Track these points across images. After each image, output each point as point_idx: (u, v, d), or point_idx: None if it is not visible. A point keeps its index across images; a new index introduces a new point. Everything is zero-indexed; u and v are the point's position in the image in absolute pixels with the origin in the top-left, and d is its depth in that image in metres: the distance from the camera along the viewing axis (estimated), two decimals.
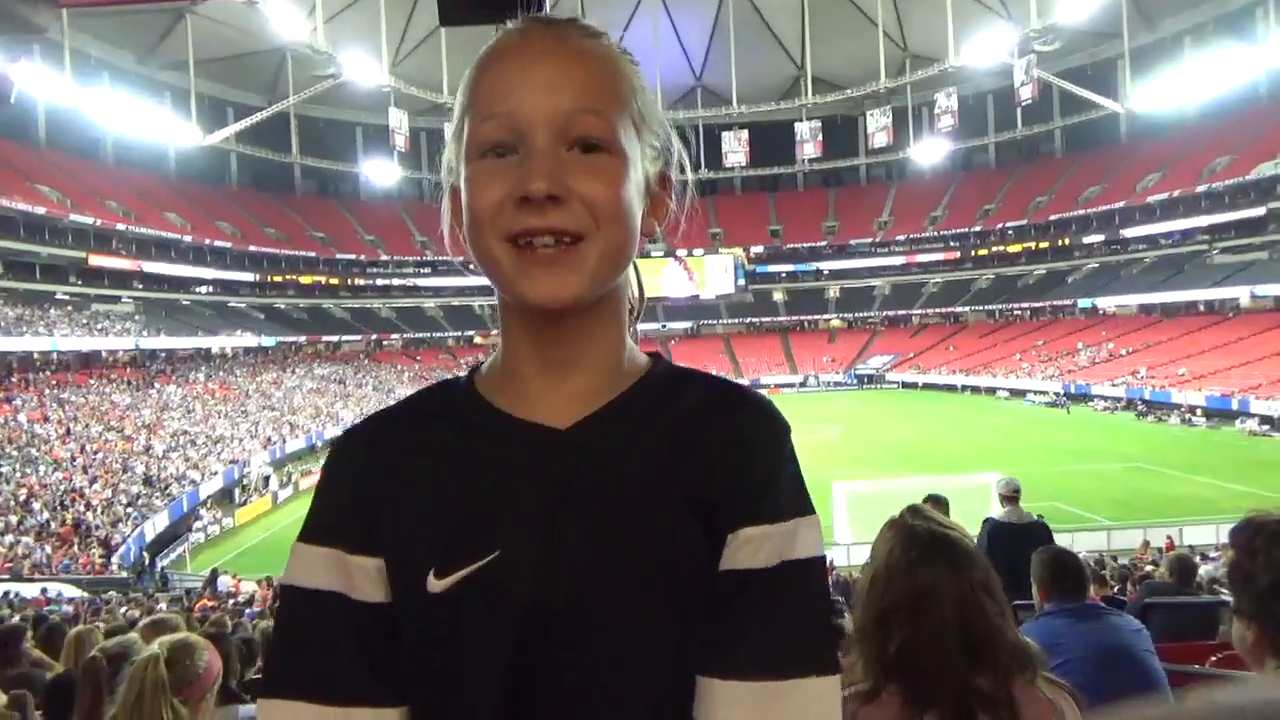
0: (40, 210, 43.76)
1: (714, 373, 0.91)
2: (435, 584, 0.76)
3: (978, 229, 68.45)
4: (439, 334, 68.69)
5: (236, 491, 31.61)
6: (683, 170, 0.87)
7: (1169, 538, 18.38)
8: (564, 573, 0.76)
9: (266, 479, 33.18)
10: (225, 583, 18.49)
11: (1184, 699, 0.24)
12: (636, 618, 0.77)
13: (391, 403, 0.91)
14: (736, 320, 73.75)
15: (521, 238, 0.74)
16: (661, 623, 0.78)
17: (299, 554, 0.80)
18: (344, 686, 0.77)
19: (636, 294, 0.92)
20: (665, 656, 0.78)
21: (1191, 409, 38.98)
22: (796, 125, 71.49)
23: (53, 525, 23.52)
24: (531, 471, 0.79)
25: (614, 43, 0.81)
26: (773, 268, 74.59)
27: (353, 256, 67.80)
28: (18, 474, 25.94)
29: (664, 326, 71.65)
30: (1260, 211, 48.84)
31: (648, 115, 0.81)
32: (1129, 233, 58.06)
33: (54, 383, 36.91)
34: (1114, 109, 59.76)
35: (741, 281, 71.43)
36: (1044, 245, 64.43)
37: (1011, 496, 5.68)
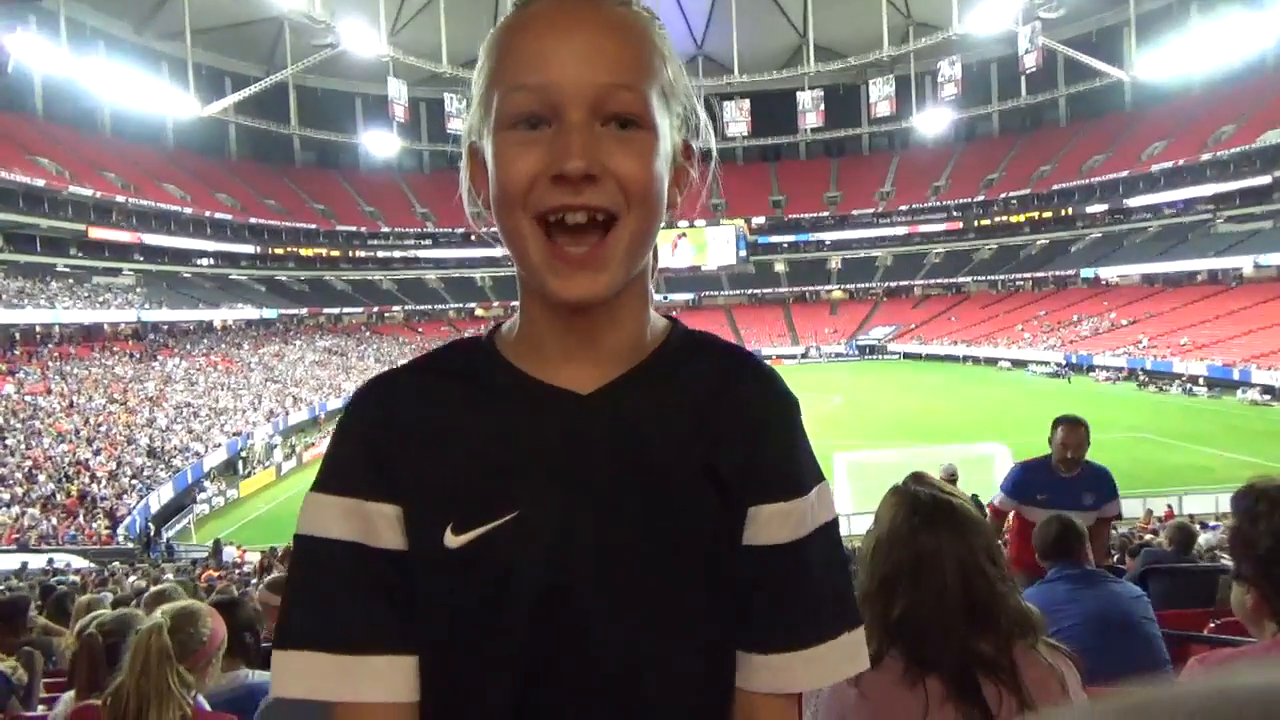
0: (39, 182, 43.58)
1: (726, 340, 0.92)
2: (453, 540, 0.76)
3: (980, 199, 68.09)
4: (440, 306, 68.58)
5: (240, 463, 31.76)
6: (702, 140, 0.86)
7: (1169, 506, 18.47)
8: (582, 535, 0.77)
9: (271, 449, 33.34)
10: (230, 553, 18.64)
11: (1192, 682, 0.24)
12: (654, 581, 0.78)
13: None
14: (738, 291, 73.58)
15: (553, 214, 0.73)
16: (679, 587, 0.79)
17: (314, 503, 0.79)
18: (361, 635, 0.76)
19: (652, 260, 0.90)
20: (684, 619, 0.79)
21: (1193, 379, 38.98)
22: (799, 94, 70.96)
23: (58, 497, 23.66)
24: (552, 434, 0.79)
25: (644, 8, 0.79)
26: (774, 238, 74.30)
27: (353, 228, 67.55)
28: (22, 446, 26.05)
29: (665, 298, 71.52)
30: (1266, 180, 48.46)
31: (676, 84, 0.80)
32: (1132, 202, 57.73)
33: (57, 355, 36.95)
34: (1119, 77, 59.25)
35: (743, 252, 71.17)
36: (1047, 215, 64.09)
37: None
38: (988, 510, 4.55)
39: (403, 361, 0.85)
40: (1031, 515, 4.16)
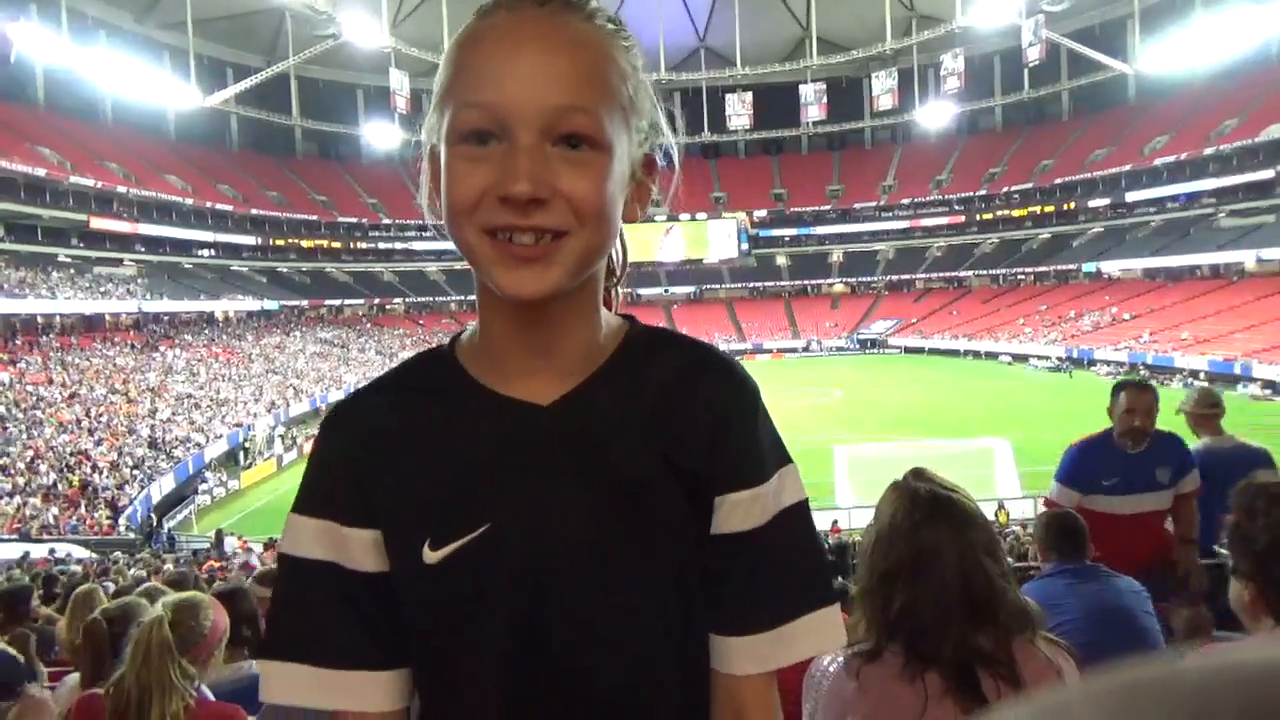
0: (40, 172, 43.52)
1: (681, 331, 0.93)
2: (431, 556, 0.79)
3: (983, 192, 68.01)
4: (441, 298, 68.57)
5: (241, 454, 31.80)
6: (667, 156, 0.86)
7: None
8: (553, 542, 0.79)
9: (272, 440, 33.38)
10: (231, 544, 18.67)
11: (1184, 658, 0.24)
12: (628, 580, 0.81)
13: (382, 372, 0.92)
14: (739, 285, 73.50)
15: (501, 232, 0.73)
16: (653, 583, 0.82)
17: (294, 524, 0.83)
18: (340, 651, 0.80)
19: (620, 258, 0.93)
20: (662, 615, 0.82)
21: (1194, 373, 38.95)
22: (801, 87, 70.81)
23: (60, 487, 23.70)
24: (517, 446, 0.81)
25: (608, 20, 0.78)
26: (776, 232, 74.19)
27: (354, 220, 67.52)
28: (23, 435, 26.09)
29: (666, 291, 71.50)
30: (1269, 174, 48.36)
31: (638, 100, 0.79)
32: (1135, 196, 57.63)
33: (58, 345, 36.98)
34: (1123, 70, 59.10)
35: (744, 246, 71.12)
36: (1049, 209, 64.00)
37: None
38: (1042, 505, 3.96)
39: (398, 361, 0.91)
40: (1099, 506, 3.58)
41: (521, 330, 0.81)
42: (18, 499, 22.36)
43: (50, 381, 31.74)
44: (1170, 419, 3.80)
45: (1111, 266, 57.59)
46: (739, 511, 0.83)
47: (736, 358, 0.87)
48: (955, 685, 1.42)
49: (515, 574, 0.79)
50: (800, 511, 0.85)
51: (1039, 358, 49.88)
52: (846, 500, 20.11)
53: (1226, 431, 4.27)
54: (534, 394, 0.82)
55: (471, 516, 0.79)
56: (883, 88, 69.81)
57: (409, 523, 0.81)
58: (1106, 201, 60.00)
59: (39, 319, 39.12)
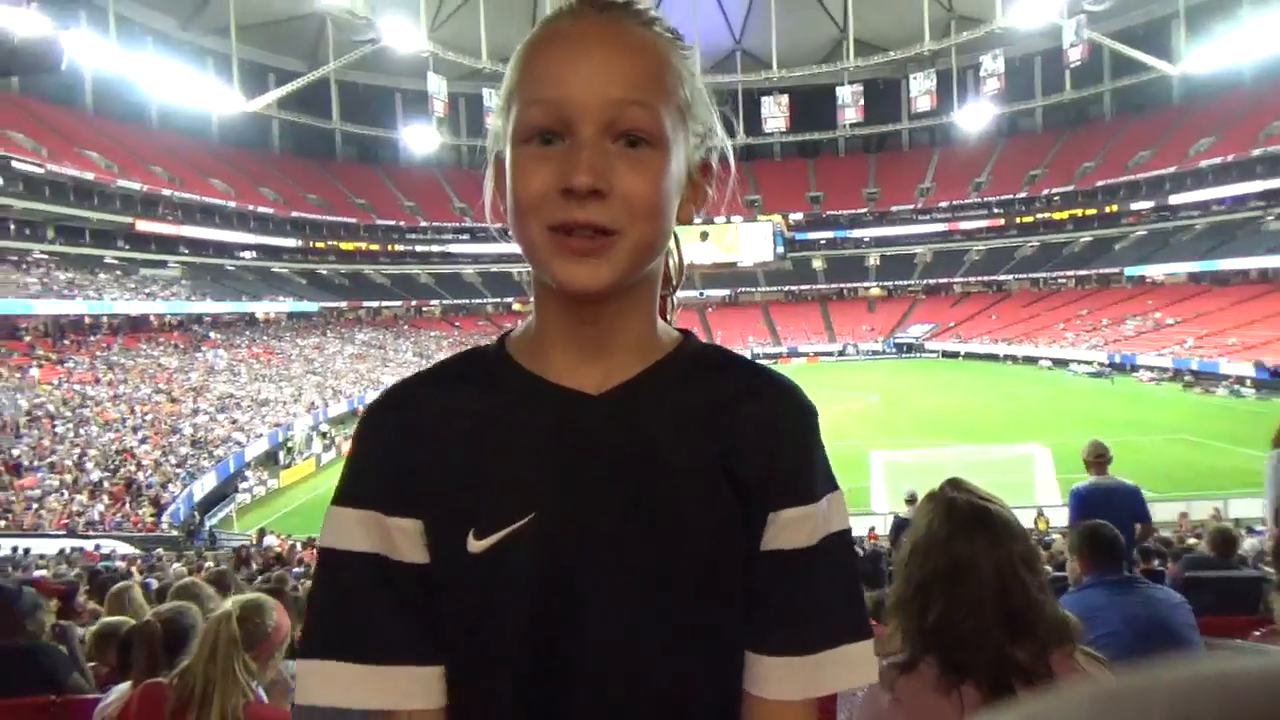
0: (89, 175, 44.50)
1: (745, 354, 0.94)
2: (475, 545, 0.78)
3: (1023, 195, 67.06)
4: (477, 300, 68.99)
5: (281, 454, 32.26)
6: (724, 158, 0.87)
7: (1215, 509, 18.08)
8: (596, 535, 0.79)
9: (311, 440, 33.83)
10: (272, 542, 18.93)
11: (1215, 658, 0.24)
12: (668, 581, 0.80)
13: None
14: (775, 288, 73.11)
15: (563, 229, 0.75)
16: (694, 587, 0.80)
17: (335, 517, 0.81)
18: (384, 646, 0.79)
19: (676, 264, 0.94)
20: (693, 618, 0.81)
21: (1240, 380, 38.11)
22: (838, 89, 70.35)
23: (105, 484, 24.20)
24: (565, 435, 0.81)
25: (666, 28, 0.82)
26: (812, 235, 73.70)
27: (392, 222, 68.14)
28: (71, 433, 26.69)
29: (701, 294, 71.36)
30: None
31: (694, 104, 0.82)
32: (1179, 199, 56.47)
33: (104, 345, 37.78)
34: (1167, 71, 57.99)
35: (780, 249, 70.69)
36: (1091, 212, 62.91)
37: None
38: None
39: (440, 355, 0.91)
40: None
41: (577, 326, 0.82)
42: (65, 495, 22.90)
43: (97, 381, 32.43)
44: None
45: (1155, 270, 56.49)
46: (789, 529, 0.82)
47: (774, 364, 0.92)
48: (992, 699, 1.41)
49: (557, 565, 0.78)
50: (846, 539, 0.86)
51: (1080, 363, 49.08)
52: (883, 506, 19.93)
53: (1109, 472, 5.50)
54: (584, 384, 0.83)
55: (518, 505, 0.79)
56: (921, 89, 69.16)
57: (454, 511, 0.80)
58: (1150, 204, 58.87)
59: (86, 319, 40.01)
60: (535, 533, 0.78)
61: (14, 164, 39.82)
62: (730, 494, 0.81)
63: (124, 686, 2.36)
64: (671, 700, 0.80)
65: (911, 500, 11.16)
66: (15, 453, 24.39)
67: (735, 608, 0.82)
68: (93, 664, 3.86)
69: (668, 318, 0.92)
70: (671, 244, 0.91)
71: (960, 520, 1.54)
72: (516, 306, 67.84)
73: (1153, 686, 0.22)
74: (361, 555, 0.80)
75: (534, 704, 0.79)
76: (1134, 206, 60.06)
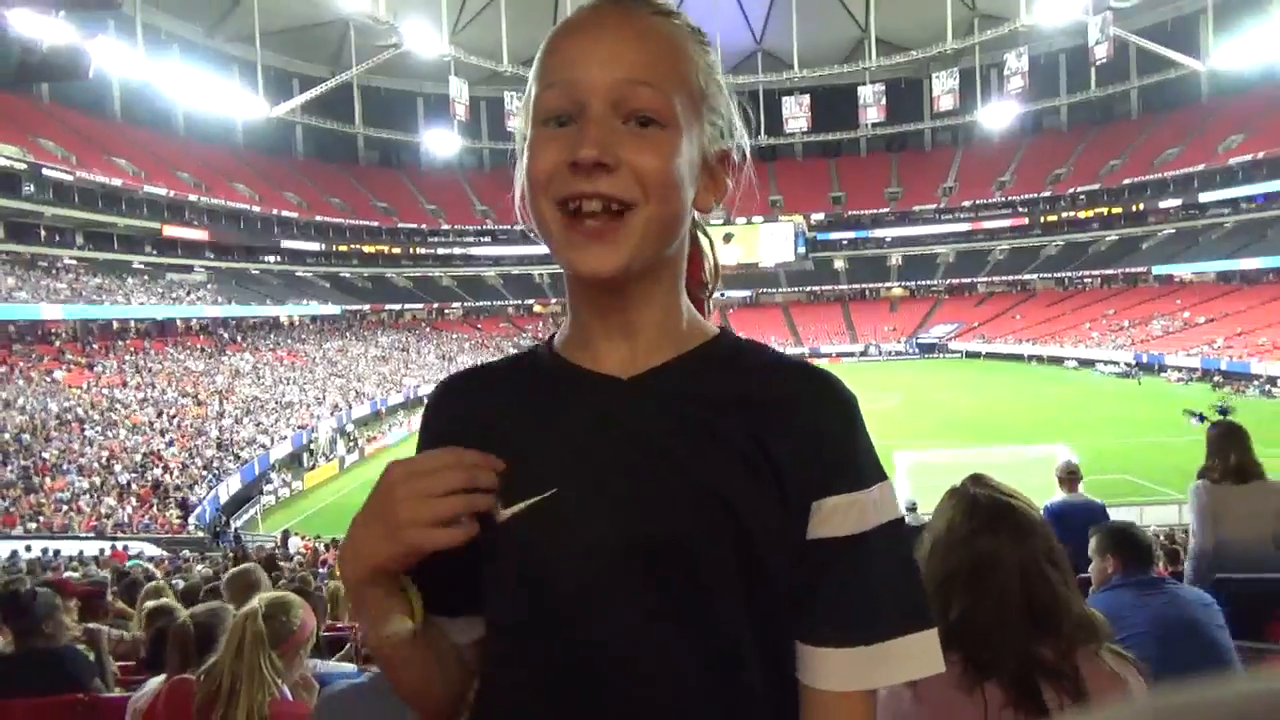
0: (116, 182, 45.14)
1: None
2: (501, 515, 0.80)
3: (1047, 194, 66.43)
4: (499, 302, 69.28)
5: (305, 456, 32.50)
6: (743, 155, 0.89)
7: None
8: (617, 515, 0.79)
9: (335, 442, 34.06)
10: (296, 544, 19.06)
11: (1241, 680, 0.23)
12: (698, 561, 0.79)
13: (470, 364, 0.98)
14: (796, 289, 72.89)
15: (570, 201, 0.77)
16: (724, 571, 0.79)
17: None
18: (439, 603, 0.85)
19: (712, 266, 0.96)
20: (726, 603, 0.79)
21: (1271, 380, 37.58)
22: (859, 89, 70.10)
23: (133, 486, 24.48)
24: (594, 416, 0.83)
25: (685, 22, 0.84)
26: (834, 235, 73.42)
27: (414, 226, 68.54)
28: (100, 436, 27.03)
29: (722, 295, 68.71)
30: None
31: (711, 95, 0.84)
32: (1208, 196, 55.75)
33: (132, 349, 38.26)
34: (1195, 67, 57.35)
35: (802, 249, 70.49)
36: (1117, 210, 62.21)
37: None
38: None
39: (457, 365, 0.94)
40: None
41: (603, 312, 0.84)
42: (94, 497, 23.19)
43: (125, 384, 32.83)
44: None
45: (1183, 269, 55.83)
46: (838, 516, 0.80)
47: None
48: (1016, 697, 1.39)
49: (580, 540, 0.79)
50: (901, 528, 0.83)
51: (1106, 363, 48.56)
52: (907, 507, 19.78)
53: (1079, 490, 5.60)
54: (617, 368, 0.85)
55: (542, 481, 0.80)
56: (943, 88, 68.76)
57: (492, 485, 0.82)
58: (1178, 202, 58.14)
59: (114, 324, 40.54)
60: (555, 508, 0.79)
61: (44, 171, 40.50)
62: (770, 477, 0.80)
63: (157, 681, 2.39)
64: (705, 686, 0.78)
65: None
66: (45, 456, 24.74)
67: (772, 590, 0.80)
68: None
69: (706, 319, 0.93)
70: (706, 246, 0.94)
71: (982, 516, 1.52)
72: (537, 309, 68.05)
73: (1220, 700, 0.21)
74: None
75: (559, 681, 0.79)
76: (1161, 205, 59.35)
